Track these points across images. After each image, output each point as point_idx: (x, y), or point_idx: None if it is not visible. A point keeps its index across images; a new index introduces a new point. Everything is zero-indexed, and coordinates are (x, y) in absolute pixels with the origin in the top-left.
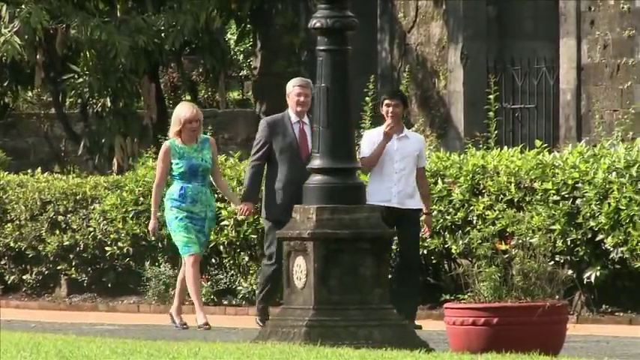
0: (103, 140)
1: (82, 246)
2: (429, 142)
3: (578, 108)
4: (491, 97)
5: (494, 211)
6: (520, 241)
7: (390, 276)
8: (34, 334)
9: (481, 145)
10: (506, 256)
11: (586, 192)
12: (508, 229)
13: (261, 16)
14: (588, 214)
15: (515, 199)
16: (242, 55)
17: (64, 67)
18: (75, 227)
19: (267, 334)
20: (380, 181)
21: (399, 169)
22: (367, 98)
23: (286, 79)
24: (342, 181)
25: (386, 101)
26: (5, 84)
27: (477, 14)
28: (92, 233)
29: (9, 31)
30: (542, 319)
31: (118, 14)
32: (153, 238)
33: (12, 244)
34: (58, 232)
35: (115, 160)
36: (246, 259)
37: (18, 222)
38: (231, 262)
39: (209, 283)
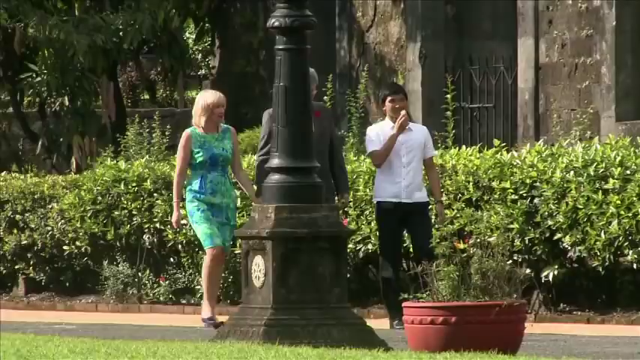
0: (61, 139)
1: (40, 245)
2: None
3: (536, 107)
4: (449, 96)
5: (453, 210)
6: (478, 240)
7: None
8: None
9: (439, 145)
10: (465, 255)
11: (544, 191)
12: (466, 228)
13: (219, 15)
14: (546, 213)
15: (474, 198)
16: (200, 55)
17: (21, 66)
18: (33, 226)
19: (225, 333)
20: (389, 177)
21: (406, 163)
22: (325, 97)
23: (244, 79)
24: (301, 180)
25: (389, 97)
26: None
27: (436, 14)
28: (50, 232)
29: None
30: (500, 318)
31: (77, 13)
32: (177, 230)
33: None
34: (15, 231)
35: (73, 160)
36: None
37: None
38: (190, 261)
39: (167, 282)
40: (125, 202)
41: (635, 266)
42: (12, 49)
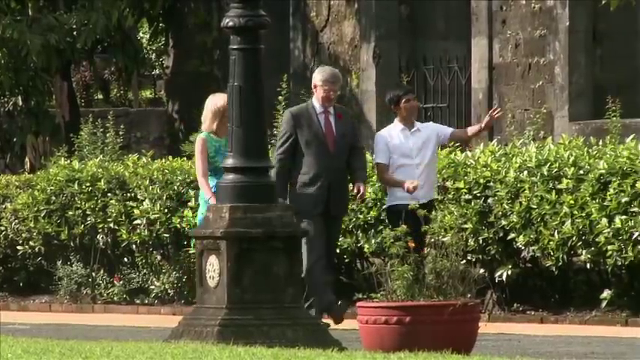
0: (15, 139)
1: None
2: None
3: (489, 107)
4: None
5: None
6: (432, 240)
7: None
8: None
9: None
10: (419, 255)
11: (498, 191)
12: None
13: (173, 14)
14: (500, 213)
15: None
16: (154, 54)
17: None
18: None
19: (179, 333)
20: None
21: (418, 164)
22: (280, 97)
23: (199, 78)
24: (255, 179)
25: (405, 97)
26: None
27: (389, 13)
28: (4, 232)
29: None
30: (454, 318)
31: (30, 12)
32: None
33: None
34: None
35: (27, 159)
36: (159, 258)
37: None
38: (144, 261)
39: (121, 282)
40: (79, 202)
41: (588, 266)
42: None
